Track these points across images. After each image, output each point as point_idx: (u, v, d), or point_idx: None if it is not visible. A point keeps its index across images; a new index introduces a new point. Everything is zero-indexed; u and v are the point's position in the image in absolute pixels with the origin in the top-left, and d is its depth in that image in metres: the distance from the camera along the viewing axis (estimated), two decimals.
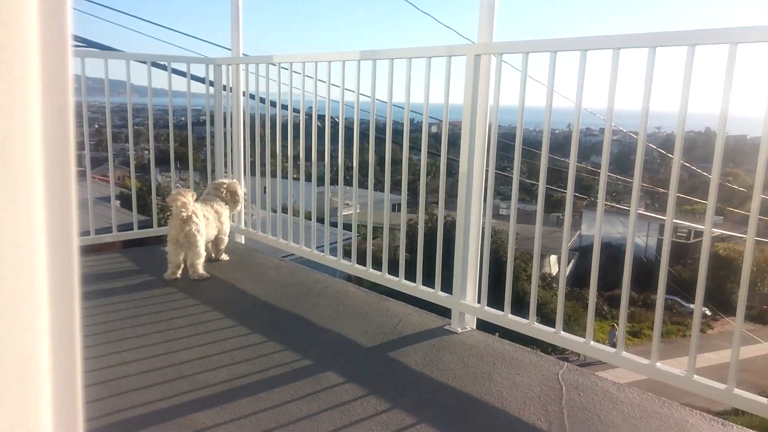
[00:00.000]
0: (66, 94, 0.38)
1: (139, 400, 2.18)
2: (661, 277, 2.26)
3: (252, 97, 4.14)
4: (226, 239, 3.93)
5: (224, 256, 3.93)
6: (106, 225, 4.15)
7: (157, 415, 2.09)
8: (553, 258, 26.47)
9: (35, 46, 0.36)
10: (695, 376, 2.18)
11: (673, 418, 2.15)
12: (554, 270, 26.69)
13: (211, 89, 4.36)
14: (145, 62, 3.96)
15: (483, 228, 2.88)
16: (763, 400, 1.99)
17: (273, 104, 3.94)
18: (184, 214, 3.42)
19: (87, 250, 4.18)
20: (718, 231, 22.49)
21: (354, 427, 2.05)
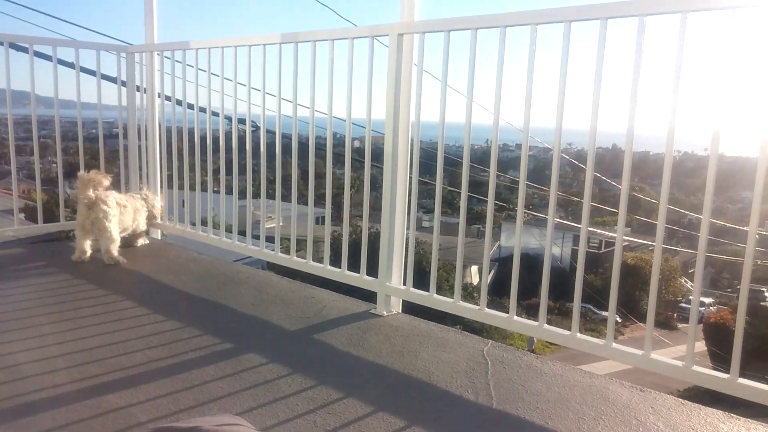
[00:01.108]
0: None
1: (43, 384, 2.02)
2: (578, 277, 2.34)
3: (168, 99, 3.98)
4: (143, 234, 3.97)
5: (141, 241, 3.96)
6: (9, 234, 3.88)
7: (64, 397, 1.94)
8: (474, 268, 27.04)
9: None
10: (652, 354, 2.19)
11: (595, 386, 2.21)
12: (475, 280, 27.27)
13: (123, 96, 4.18)
14: (49, 48, 3.73)
15: (408, 212, 2.89)
16: (722, 375, 2.05)
17: (190, 107, 3.84)
18: (86, 200, 3.42)
19: None
20: (629, 239, 23.69)
21: (278, 403, 1.99)
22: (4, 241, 3.88)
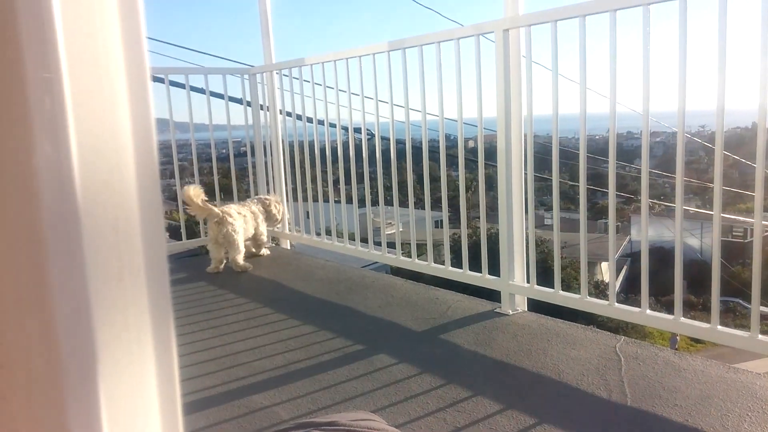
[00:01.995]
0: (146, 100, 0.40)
1: (197, 387, 2.23)
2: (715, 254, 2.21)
3: (289, 114, 4.23)
4: (264, 237, 4.21)
5: (264, 251, 4.23)
6: None
7: (216, 398, 2.14)
8: (604, 265, 25.84)
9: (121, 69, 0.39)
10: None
11: (740, 381, 2.08)
12: (606, 277, 26.06)
13: (249, 116, 4.49)
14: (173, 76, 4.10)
15: (526, 207, 2.87)
16: None
17: (309, 120, 4.07)
18: (216, 219, 3.75)
19: None
20: None
21: (410, 402, 2.06)
22: None
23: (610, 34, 2.32)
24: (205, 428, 1.93)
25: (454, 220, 3.59)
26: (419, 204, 3.89)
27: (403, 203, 3.51)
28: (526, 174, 2.80)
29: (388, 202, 3.69)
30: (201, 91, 4.36)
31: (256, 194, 4.51)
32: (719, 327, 2.21)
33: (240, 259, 3.84)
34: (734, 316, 23.49)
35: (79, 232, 0.35)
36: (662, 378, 2.14)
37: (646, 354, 2.34)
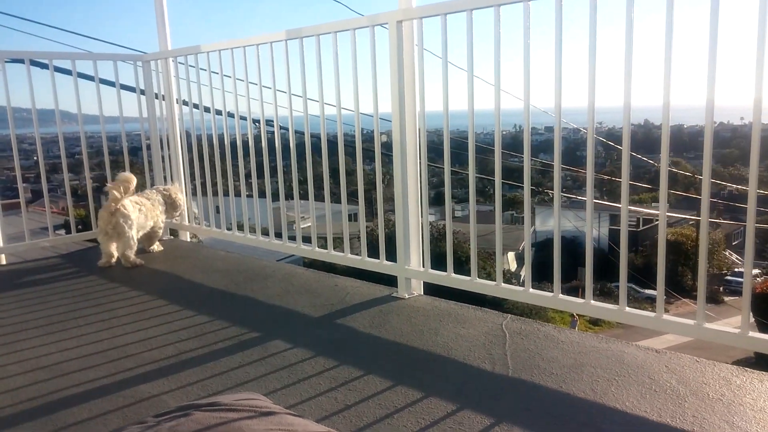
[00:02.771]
0: None
1: (80, 380, 2.15)
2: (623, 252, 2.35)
3: (185, 103, 4.11)
4: (160, 231, 4.08)
5: (156, 247, 4.09)
6: (45, 245, 4.09)
7: (100, 390, 2.07)
8: (510, 255, 26.87)
9: None
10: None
11: (611, 350, 2.25)
12: (513, 266, 27.10)
13: (144, 106, 4.34)
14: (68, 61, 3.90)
15: (421, 195, 2.95)
16: None
17: (207, 110, 3.95)
18: (113, 206, 3.56)
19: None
20: (669, 214, 23.18)
21: (302, 383, 2.08)
22: (40, 256, 4.08)
23: (494, 28, 2.42)
24: (87, 420, 1.86)
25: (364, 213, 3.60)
26: (320, 196, 3.85)
27: (303, 197, 3.48)
28: (420, 163, 2.88)
29: (300, 197, 3.63)
30: (90, 78, 4.15)
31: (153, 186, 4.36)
32: (627, 309, 2.30)
33: (131, 254, 3.68)
34: (628, 300, 25.03)
35: None
36: (542, 350, 2.27)
37: (529, 329, 2.48)
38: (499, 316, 2.66)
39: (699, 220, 2.12)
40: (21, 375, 2.21)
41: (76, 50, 4.07)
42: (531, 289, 2.56)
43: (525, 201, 2.58)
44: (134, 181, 3.67)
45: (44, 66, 4.15)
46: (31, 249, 4.05)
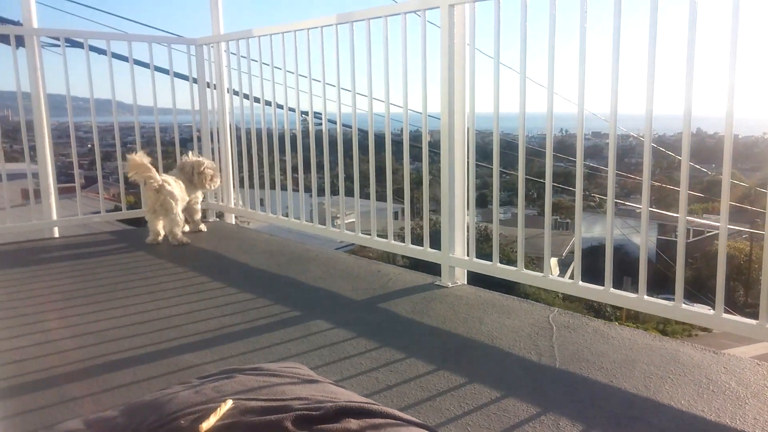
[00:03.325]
0: None
1: (126, 346, 2.18)
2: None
3: (236, 93, 4.14)
4: (198, 208, 4.09)
5: (202, 227, 4.11)
6: (96, 220, 4.18)
7: (144, 357, 2.09)
8: (554, 260, 26.43)
9: None
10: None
11: (665, 348, 2.16)
12: (556, 272, 26.65)
13: (195, 96, 4.40)
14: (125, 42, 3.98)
15: (468, 185, 2.90)
16: None
17: (257, 100, 3.96)
18: (155, 184, 3.59)
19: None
20: (732, 227, 22.48)
21: (343, 362, 2.06)
22: (91, 231, 4.19)
23: (550, 11, 2.35)
24: (132, 383, 1.88)
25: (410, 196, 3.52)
26: (364, 194, 3.73)
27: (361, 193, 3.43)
28: (468, 151, 2.83)
29: (336, 192, 3.59)
30: (145, 65, 4.22)
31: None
32: (683, 305, 2.18)
33: (179, 231, 3.73)
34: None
35: None
36: (591, 344, 2.20)
37: (577, 323, 2.40)
38: (545, 308, 2.59)
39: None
40: (70, 339, 2.26)
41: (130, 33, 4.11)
42: (580, 282, 2.48)
43: (577, 183, 2.50)
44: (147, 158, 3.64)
45: (95, 50, 4.25)
46: (83, 225, 4.16)
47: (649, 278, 2.35)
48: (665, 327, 22.14)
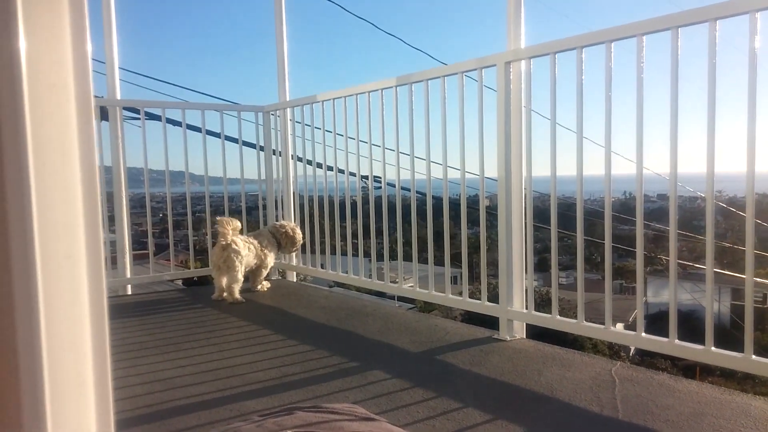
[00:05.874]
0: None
1: (192, 393, 2.25)
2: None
3: (300, 159, 4.35)
4: (265, 271, 4.16)
5: (262, 287, 4.15)
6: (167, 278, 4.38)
7: (209, 402, 2.16)
8: (620, 326, 25.36)
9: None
10: None
11: (735, 402, 2.06)
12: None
13: (262, 163, 4.64)
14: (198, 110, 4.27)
15: (525, 237, 2.91)
16: None
17: (319, 166, 4.15)
18: (223, 242, 3.74)
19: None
20: None
21: (400, 410, 2.06)
22: (162, 289, 4.38)
23: (605, 64, 2.41)
24: (196, 426, 1.94)
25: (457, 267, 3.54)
26: (422, 258, 3.60)
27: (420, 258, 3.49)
28: (525, 201, 2.86)
29: (395, 256, 3.68)
30: (216, 135, 4.47)
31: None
32: (753, 356, 2.08)
33: (236, 288, 3.80)
34: (753, 383, 22.78)
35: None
36: (656, 397, 2.12)
37: (641, 377, 2.33)
38: (607, 362, 2.52)
39: None
40: (140, 386, 2.35)
41: (201, 102, 4.42)
42: (644, 334, 2.41)
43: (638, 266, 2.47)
44: (238, 223, 3.86)
45: (171, 121, 4.53)
46: (154, 283, 4.36)
47: (722, 340, 2.24)
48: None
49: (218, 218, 3.80)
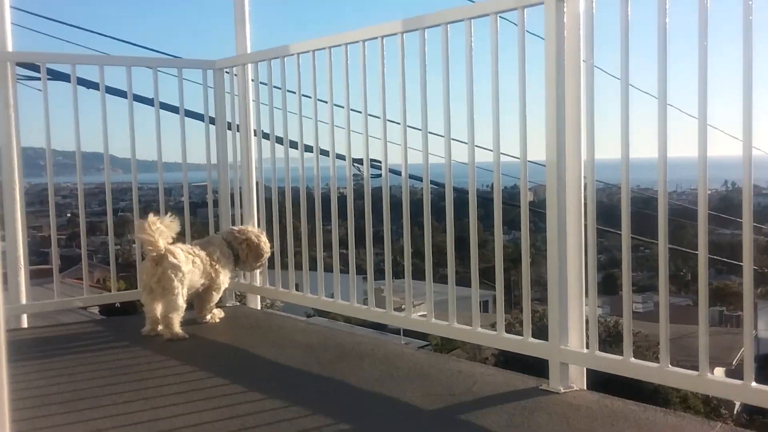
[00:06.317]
0: None
1: None
2: None
3: (266, 136, 4.32)
4: (217, 295, 4.14)
5: (211, 317, 4.13)
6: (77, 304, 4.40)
7: None
8: (719, 371, 25.43)
9: None
10: None
11: None
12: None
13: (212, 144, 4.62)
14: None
15: (585, 245, 2.91)
16: None
17: (294, 146, 4.13)
18: (154, 253, 3.67)
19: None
20: None
21: None
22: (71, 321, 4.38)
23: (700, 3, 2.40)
24: None
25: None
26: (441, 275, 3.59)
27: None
28: (585, 194, 2.86)
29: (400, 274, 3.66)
30: (149, 101, 4.45)
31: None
32: None
33: (176, 320, 3.75)
34: None
35: None
36: None
37: None
38: (702, 423, 2.53)
39: None
40: None
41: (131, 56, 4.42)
42: (753, 384, 2.41)
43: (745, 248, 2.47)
44: (174, 224, 3.80)
45: (84, 83, 4.52)
46: (60, 312, 4.37)
47: None
48: None
49: (137, 221, 3.74)
